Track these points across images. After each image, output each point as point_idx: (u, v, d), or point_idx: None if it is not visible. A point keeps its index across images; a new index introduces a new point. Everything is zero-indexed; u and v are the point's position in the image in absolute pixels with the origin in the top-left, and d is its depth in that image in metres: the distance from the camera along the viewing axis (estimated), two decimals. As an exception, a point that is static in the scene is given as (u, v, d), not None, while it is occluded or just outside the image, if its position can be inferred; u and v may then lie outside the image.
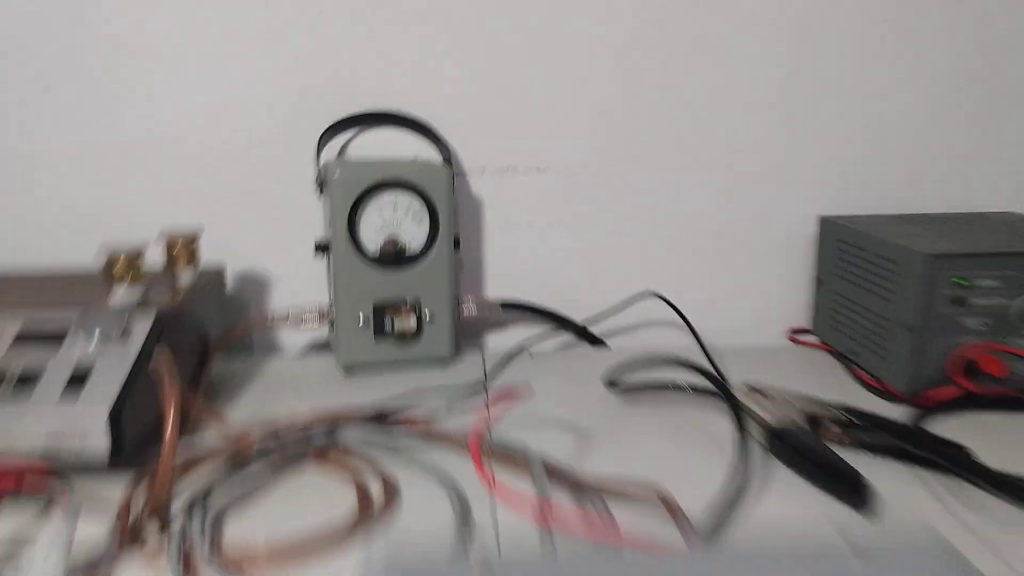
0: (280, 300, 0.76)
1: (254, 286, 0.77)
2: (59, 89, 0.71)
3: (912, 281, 0.59)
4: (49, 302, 0.57)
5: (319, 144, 0.71)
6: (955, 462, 0.49)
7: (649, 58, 0.74)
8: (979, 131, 0.78)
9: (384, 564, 0.29)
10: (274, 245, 0.75)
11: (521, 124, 0.75)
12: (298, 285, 0.76)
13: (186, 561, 0.40)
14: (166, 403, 0.46)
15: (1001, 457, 0.50)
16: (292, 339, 0.78)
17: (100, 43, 0.71)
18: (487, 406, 0.61)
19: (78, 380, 0.50)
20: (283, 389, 0.66)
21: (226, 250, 0.74)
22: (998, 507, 0.46)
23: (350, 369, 0.69)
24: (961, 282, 0.58)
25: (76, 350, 0.52)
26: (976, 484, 0.48)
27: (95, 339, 0.52)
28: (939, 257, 0.58)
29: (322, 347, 0.78)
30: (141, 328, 0.53)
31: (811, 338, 0.77)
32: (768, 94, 0.76)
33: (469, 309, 0.73)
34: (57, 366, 0.51)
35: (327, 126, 0.71)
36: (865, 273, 0.66)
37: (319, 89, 0.72)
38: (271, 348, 0.78)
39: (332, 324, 0.69)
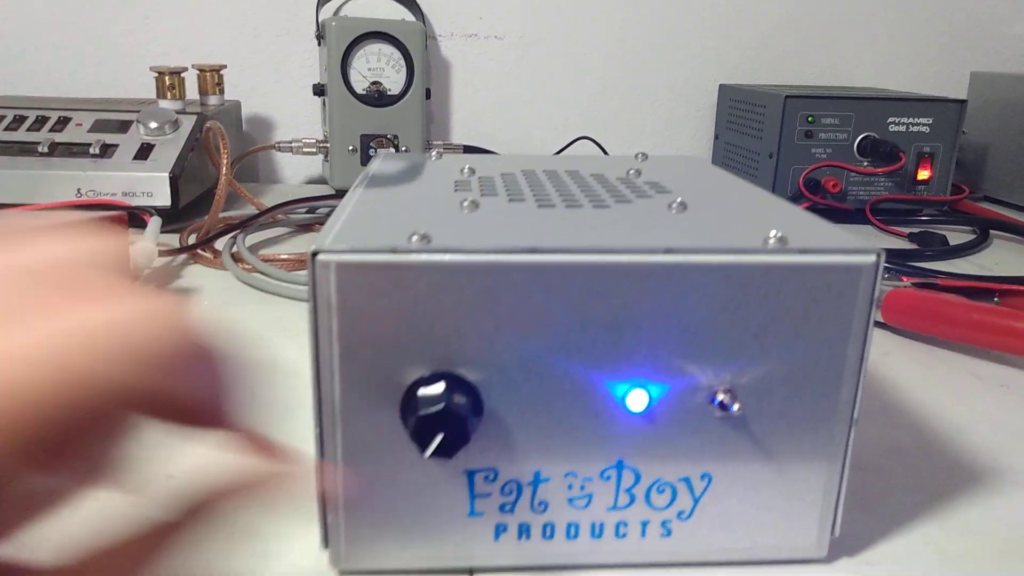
0: (282, 136, 0.93)
1: (262, 125, 0.93)
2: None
3: (774, 118, 0.78)
4: (114, 108, 0.74)
5: (318, 5, 0.87)
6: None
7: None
8: (851, 17, 0.97)
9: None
10: (280, 88, 0.92)
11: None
12: (297, 126, 0.93)
13: (235, 257, 0.58)
14: (220, 147, 0.63)
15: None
16: (291, 171, 0.95)
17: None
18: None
19: (143, 155, 0.67)
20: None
21: (240, 93, 0.90)
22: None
23: (341, 192, 0.86)
24: (809, 118, 0.77)
25: (139, 134, 0.69)
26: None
27: (154, 127, 0.69)
28: (792, 97, 0.76)
29: (314, 181, 0.95)
30: (188, 122, 0.70)
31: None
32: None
33: (438, 152, 0.90)
34: (127, 144, 0.68)
35: (325, -10, 0.87)
36: (745, 120, 0.85)
37: (318, -39, 0.88)
38: (273, 180, 0.95)
39: (326, 153, 0.86)
